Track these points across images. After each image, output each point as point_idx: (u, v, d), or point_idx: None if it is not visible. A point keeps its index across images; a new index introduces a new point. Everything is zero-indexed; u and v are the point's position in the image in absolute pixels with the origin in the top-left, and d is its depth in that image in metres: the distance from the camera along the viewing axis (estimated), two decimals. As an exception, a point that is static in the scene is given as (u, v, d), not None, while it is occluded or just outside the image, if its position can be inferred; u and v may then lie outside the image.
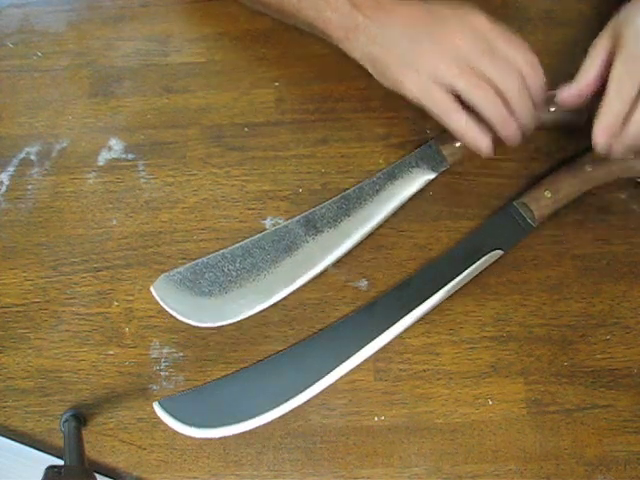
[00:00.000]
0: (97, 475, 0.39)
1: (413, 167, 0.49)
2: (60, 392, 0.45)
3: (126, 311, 0.47)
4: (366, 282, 0.47)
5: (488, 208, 0.49)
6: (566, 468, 0.42)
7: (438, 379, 0.44)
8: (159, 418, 0.42)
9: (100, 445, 0.43)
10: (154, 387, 0.44)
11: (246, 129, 0.52)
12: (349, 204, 0.48)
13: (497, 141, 0.43)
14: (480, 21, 0.41)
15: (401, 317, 0.44)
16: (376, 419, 0.43)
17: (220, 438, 0.42)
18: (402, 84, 0.43)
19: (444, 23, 0.42)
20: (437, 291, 0.45)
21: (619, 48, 0.39)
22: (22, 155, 0.52)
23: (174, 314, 0.44)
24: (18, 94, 0.55)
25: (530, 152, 0.49)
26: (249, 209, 0.49)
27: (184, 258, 0.48)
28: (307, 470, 0.43)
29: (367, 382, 0.44)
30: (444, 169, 0.49)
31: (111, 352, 0.45)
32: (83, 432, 0.42)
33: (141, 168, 0.51)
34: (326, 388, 0.43)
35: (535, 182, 0.48)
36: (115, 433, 0.44)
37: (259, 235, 0.47)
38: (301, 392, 0.43)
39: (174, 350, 0.45)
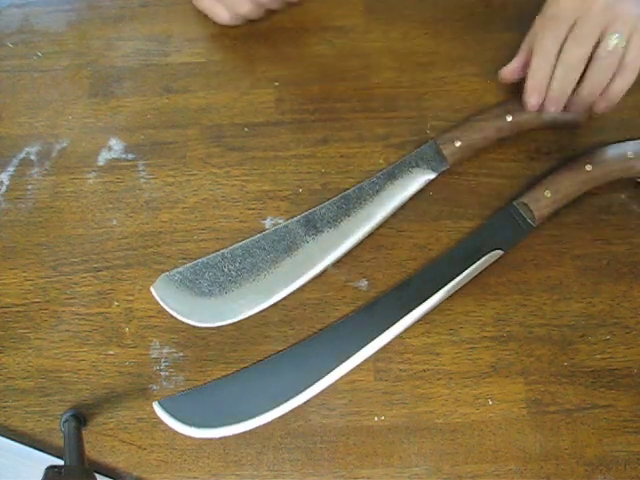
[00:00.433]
0: (97, 475, 0.39)
1: (413, 167, 0.49)
2: (60, 392, 0.45)
3: (126, 311, 0.47)
4: (366, 282, 0.47)
5: (488, 208, 0.49)
6: (566, 468, 0.42)
7: (438, 379, 0.44)
8: (159, 418, 0.42)
9: (100, 445, 0.43)
10: (154, 387, 0.44)
11: (246, 129, 0.52)
12: (349, 204, 0.48)
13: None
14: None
15: (401, 317, 0.44)
16: (376, 419, 0.43)
17: (220, 438, 0.42)
18: None
19: None
20: (437, 291, 0.45)
21: (541, 19, 0.43)
22: (22, 155, 0.52)
23: (174, 314, 0.44)
24: (18, 94, 0.55)
25: (530, 152, 0.49)
26: (249, 209, 0.49)
27: (184, 258, 0.48)
28: (307, 470, 0.43)
29: (367, 382, 0.44)
30: (444, 169, 0.49)
31: (111, 352, 0.45)
32: (83, 432, 0.42)
33: (141, 168, 0.51)
34: (326, 388, 0.43)
35: (535, 182, 0.48)
36: (115, 433, 0.44)
37: (259, 235, 0.47)
38: (301, 392, 0.43)
39: (174, 350, 0.45)
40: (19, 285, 0.48)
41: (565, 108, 0.46)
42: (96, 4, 0.58)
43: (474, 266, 0.45)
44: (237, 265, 0.46)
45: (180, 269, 0.45)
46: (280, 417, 0.42)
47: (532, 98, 0.45)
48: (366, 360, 0.44)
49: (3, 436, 0.44)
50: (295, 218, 0.47)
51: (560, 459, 0.42)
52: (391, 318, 0.44)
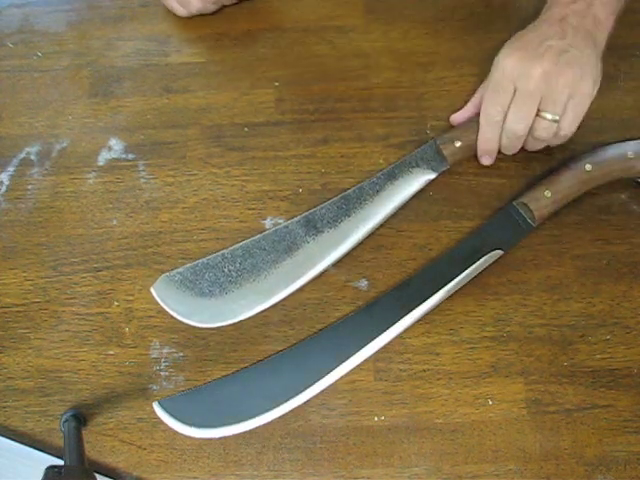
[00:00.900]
0: (97, 475, 0.39)
1: (413, 167, 0.49)
2: (60, 392, 0.45)
3: (126, 311, 0.47)
4: (366, 282, 0.47)
5: (488, 208, 0.49)
6: (566, 468, 0.42)
7: (438, 379, 0.44)
8: (159, 418, 0.42)
9: (100, 445, 0.43)
10: (154, 387, 0.44)
11: (246, 129, 0.52)
12: (349, 204, 0.48)
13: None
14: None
15: (401, 317, 0.44)
16: (376, 419, 0.43)
17: (220, 438, 0.42)
18: None
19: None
20: (437, 291, 0.45)
21: (488, 84, 0.47)
22: (22, 155, 0.52)
23: (174, 315, 0.44)
24: (18, 94, 0.55)
25: (530, 152, 0.49)
26: (249, 209, 0.49)
27: (184, 258, 0.48)
28: (307, 470, 0.43)
29: (367, 382, 0.44)
30: (444, 169, 0.49)
31: (111, 352, 0.45)
32: (83, 432, 0.42)
33: (141, 168, 0.51)
34: (326, 388, 0.43)
35: (535, 182, 0.48)
36: (115, 433, 0.44)
37: (259, 235, 0.47)
38: (301, 392, 0.43)
39: (174, 350, 0.45)
40: (19, 285, 0.48)
41: None
42: (96, 4, 0.58)
43: (474, 266, 0.45)
44: (237, 266, 0.46)
45: (180, 270, 0.45)
46: (280, 417, 0.42)
47: (485, 160, 0.50)
48: (366, 360, 0.44)
49: (3, 436, 0.44)
50: (295, 218, 0.47)
51: (560, 459, 0.42)
52: (391, 318, 0.44)
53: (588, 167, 0.47)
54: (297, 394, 0.43)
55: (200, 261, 0.46)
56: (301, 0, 0.57)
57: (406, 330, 0.45)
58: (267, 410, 0.42)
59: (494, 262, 0.46)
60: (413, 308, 0.44)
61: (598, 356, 0.45)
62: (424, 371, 0.44)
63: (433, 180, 0.49)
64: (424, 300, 0.45)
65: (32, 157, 0.52)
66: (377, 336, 0.44)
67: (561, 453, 0.42)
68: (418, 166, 0.49)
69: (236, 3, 0.57)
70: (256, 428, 0.42)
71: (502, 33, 0.50)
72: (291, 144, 0.52)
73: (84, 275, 0.48)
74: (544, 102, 0.44)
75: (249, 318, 0.45)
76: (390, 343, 0.44)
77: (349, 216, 0.47)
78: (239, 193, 0.50)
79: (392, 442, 0.43)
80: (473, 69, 0.53)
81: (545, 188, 0.47)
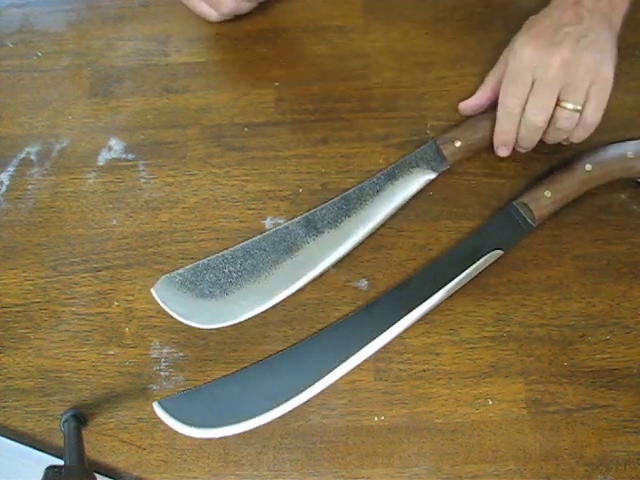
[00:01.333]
0: (97, 475, 0.39)
1: (413, 167, 0.49)
2: (60, 392, 0.45)
3: (126, 311, 0.47)
4: (366, 282, 0.47)
5: (488, 208, 0.49)
6: (566, 468, 0.42)
7: (438, 379, 0.44)
8: (159, 418, 0.42)
9: (100, 445, 0.43)
10: (154, 387, 0.44)
11: (246, 129, 0.52)
12: (349, 204, 0.48)
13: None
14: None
15: (401, 317, 0.44)
16: (376, 419, 0.43)
17: (220, 438, 0.42)
18: None
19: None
20: (437, 291, 0.45)
21: (505, 73, 0.46)
22: (22, 155, 0.52)
23: (175, 316, 0.44)
24: (18, 94, 0.55)
25: (530, 152, 0.49)
26: (249, 209, 0.49)
27: (184, 258, 0.48)
28: (307, 470, 0.43)
29: (367, 382, 0.44)
30: (444, 169, 0.49)
31: (111, 352, 0.45)
32: (83, 432, 0.42)
33: (141, 168, 0.51)
34: (326, 388, 0.43)
35: (535, 182, 0.48)
36: (115, 433, 0.44)
37: (260, 236, 0.47)
38: (301, 392, 0.43)
39: (174, 350, 0.45)
40: (19, 285, 0.48)
41: None
42: (96, 4, 0.58)
43: (474, 266, 0.45)
44: (238, 266, 0.46)
45: (180, 271, 0.45)
46: (280, 417, 0.42)
47: (501, 151, 0.49)
48: (366, 360, 0.44)
49: (3, 436, 0.44)
50: (295, 219, 0.47)
51: (560, 459, 0.42)
52: (391, 318, 0.44)
53: (588, 167, 0.47)
54: (297, 394, 0.43)
55: (200, 262, 0.46)
56: (301, 0, 0.57)
57: (406, 330, 0.45)
58: (267, 410, 0.42)
59: (494, 262, 0.46)
60: (413, 308, 0.44)
61: (598, 356, 0.45)
62: (424, 371, 0.44)
63: (433, 180, 0.49)
64: (424, 300, 0.45)
65: (32, 157, 0.52)
66: (377, 336, 0.44)
67: (561, 453, 0.42)
68: (418, 166, 0.49)
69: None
70: (256, 428, 0.42)
71: (502, 33, 0.50)
72: (291, 144, 0.52)
73: (84, 275, 0.48)
74: (565, 91, 0.43)
75: (249, 318, 0.45)
76: (390, 343, 0.44)
77: (349, 216, 0.47)
78: (239, 193, 0.50)
79: (392, 442, 0.43)
80: (473, 69, 0.53)
81: (545, 188, 0.47)
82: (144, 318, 0.46)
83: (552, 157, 0.50)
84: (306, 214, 0.48)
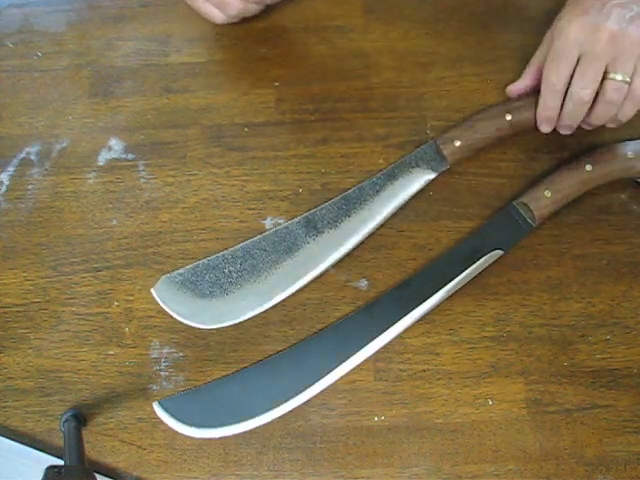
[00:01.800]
0: (97, 475, 0.39)
1: (413, 167, 0.49)
2: (60, 392, 0.45)
3: (126, 311, 0.47)
4: (366, 282, 0.47)
5: (488, 208, 0.49)
6: (566, 468, 0.42)
7: (438, 379, 0.44)
8: (159, 418, 0.42)
9: (100, 445, 0.43)
10: (154, 387, 0.44)
11: (246, 129, 0.52)
12: (349, 204, 0.48)
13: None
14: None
15: (401, 317, 0.44)
16: (376, 419, 0.43)
17: (220, 438, 0.42)
18: None
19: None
20: (437, 291, 0.45)
21: (550, 51, 0.45)
22: (22, 155, 0.52)
23: (175, 316, 0.44)
24: (18, 94, 0.55)
25: (530, 152, 0.49)
26: (249, 209, 0.49)
27: (184, 258, 0.48)
28: (307, 470, 0.43)
29: (367, 382, 0.44)
30: (444, 169, 0.49)
31: (111, 352, 0.45)
32: (83, 432, 0.42)
33: (141, 168, 0.51)
34: (326, 388, 0.43)
35: (535, 182, 0.48)
36: (115, 433, 0.44)
37: (260, 236, 0.47)
38: (301, 392, 0.43)
39: (174, 350, 0.45)
40: (19, 285, 0.48)
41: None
42: (96, 4, 0.58)
43: (474, 266, 0.45)
44: (238, 266, 0.46)
45: (181, 271, 0.45)
46: (280, 417, 0.42)
47: (544, 127, 0.48)
48: (366, 360, 0.44)
49: (3, 436, 0.44)
50: (295, 219, 0.47)
51: (560, 459, 0.42)
52: (391, 318, 0.44)
53: (588, 167, 0.47)
54: (297, 394, 0.43)
55: (200, 262, 0.46)
56: (301, 0, 0.57)
57: (406, 330, 0.45)
58: (267, 410, 0.42)
59: (494, 262, 0.46)
60: (413, 308, 0.44)
61: (598, 356, 0.45)
62: (424, 371, 0.44)
63: (433, 180, 0.49)
64: (424, 300, 0.45)
65: (32, 157, 0.52)
66: (377, 336, 0.44)
67: (561, 453, 0.42)
68: (418, 166, 0.49)
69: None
70: (256, 428, 0.42)
71: (502, 33, 0.50)
72: (291, 144, 0.52)
73: (84, 275, 0.48)
74: (612, 64, 0.43)
75: (249, 318, 0.45)
76: (390, 343, 0.44)
77: (349, 216, 0.47)
78: (239, 193, 0.50)
79: (392, 442, 0.43)
80: (473, 69, 0.53)
81: (545, 188, 0.47)
82: (144, 318, 0.46)
83: (552, 157, 0.50)
84: (306, 214, 0.48)
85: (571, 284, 0.47)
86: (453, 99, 0.52)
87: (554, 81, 0.45)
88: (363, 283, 0.47)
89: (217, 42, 0.56)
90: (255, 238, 0.47)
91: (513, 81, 0.50)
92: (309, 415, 0.44)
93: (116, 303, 0.47)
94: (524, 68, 0.50)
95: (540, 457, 0.42)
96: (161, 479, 0.43)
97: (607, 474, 0.42)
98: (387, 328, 0.44)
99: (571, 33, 0.44)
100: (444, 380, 0.44)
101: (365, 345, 0.44)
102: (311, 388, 0.43)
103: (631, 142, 0.48)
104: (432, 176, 0.49)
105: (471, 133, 0.49)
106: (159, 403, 0.42)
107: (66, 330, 0.46)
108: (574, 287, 0.46)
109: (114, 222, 0.49)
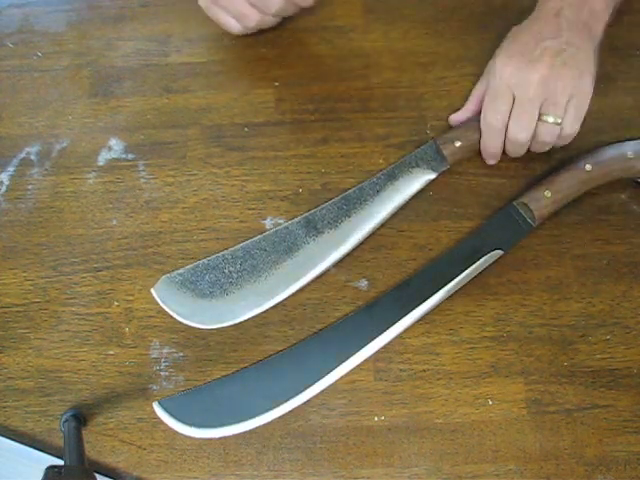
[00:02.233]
0: (97, 475, 0.39)
1: (413, 167, 0.49)
2: (60, 392, 0.45)
3: (126, 311, 0.47)
4: (366, 282, 0.47)
5: (488, 208, 0.49)
6: (566, 468, 0.42)
7: (438, 379, 0.44)
8: (159, 418, 0.42)
9: (100, 445, 0.43)
10: (154, 387, 0.44)
11: (246, 129, 0.52)
12: (349, 204, 0.48)
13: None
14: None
15: (401, 317, 0.44)
16: (376, 419, 0.43)
17: (220, 438, 0.42)
18: None
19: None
20: (437, 291, 0.45)
21: (487, 89, 0.47)
22: (22, 155, 0.52)
23: (175, 316, 0.44)
24: (18, 94, 0.55)
25: (530, 152, 0.49)
26: (249, 209, 0.49)
27: (184, 258, 0.48)
28: (307, 470, 0.43)
29: (367, 382, 0.44)
30: (444, 169, 0.49)
31: (111, 352, 0.45)
32: (83, 432, 0.42)
33: (141, 168, 0.51)
34: (326, 388, 0.43)
35: (535, 182, 0.48)
36: (115, 433, 0.44)
37: (260, 236, 0.47)
38: (301, 392, 0.43)
39: (174, 350, 0.45)
40: (19, 285, 0.48)
41: None
42: (96, 4, 0.58)
43: (474, 266, 0.45)
44: (238, 267, 0.46)
45: (181, 271, 0.45)
46: (280, 417, 0.42)
47: (490, 161, 0.50)
48: (366, 360, 0.44)
49: (3, 436, 0.44)
50: (295, 219, 0.47)
51: (560, 459, 0.42)
52: (391, 318, 0.44)
53: (588, 167, 0.47)
54: (297, 394, 0.43)
55: (200, 262, 0.46)
56: (301, 0, 0.57)
57: (406, 330, 0.45)
58: (267, 410, 0.42)
59: (494, 262, 0.46)
60: (413, 308, 0.44)
61: (598, 356, 0.45)
62: (424, 371, 0.44)
63: (433, 180, 0.49)
64: (424, 300, 0.45)
65: (32, 157, 0.52)
66: (377, 336, 0.44)
67: (561, 453, 0.42)
68: (418, 166, 0.49)
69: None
70: (256, 428, 0.42)
71: (502, 33, 0.50)
72: (291, 144, 0.52)
73: (84, 275, 0.48)
74: (545, 106, 0.44)
75: (249, 318, 0.45)
76: (390, 343, 0.44)
77: (349, 216, 0.47)
78: (239, 193, 0.50)
79: (392, 442, 0.43)
80: (473, 69, 0.53)
81: (545, 188, 0.47)
82: (144, 318, 0.46)
83: (552, 157, 0.50)
84: (306, 214, 0.48)
85: (571, 284, 0.47)
86: (453, 99, 0.52)
87: (493, 123, 0.46)
88: (363, 283, 0.47)
89: (217, 42, 0.56)
90: (255, 238, 0.47)
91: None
92: (309, 415, 0.44)
93: (116, 303, 0.47)
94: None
95: (540, 457, 0.42)
96: (161, 479, 0.43)
97: (607, 474, 0.42)
98: (387, 328, 0.44)
99: (505, 74, 0.45)
100: (444, 380, 0.44)
101: (365, 345, 0.44)
102: (311, 388, 0.43)
103: (631, 142, 0.48)
104: (432, 176, 0.49)
105: (471, 133, 0.49)
106: (159, 403, 0.42)
107: (66, 330, 0.46)
108: (574, 287, 0.46)
109: (114, 222, 0.49)
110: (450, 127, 0.51)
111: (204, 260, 0.46)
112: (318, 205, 0.48)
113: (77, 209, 0.50)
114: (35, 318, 0.47)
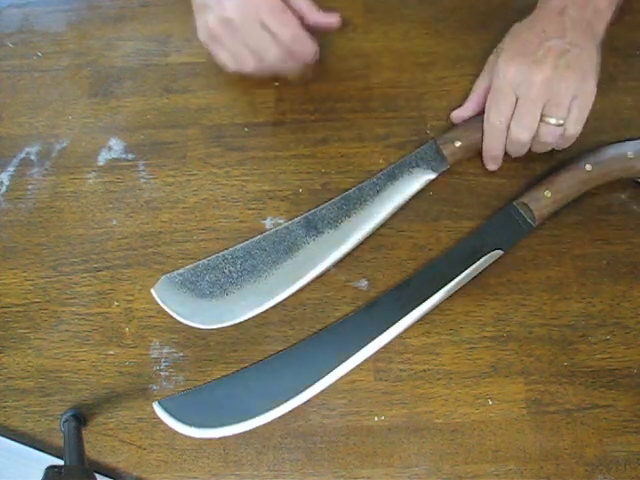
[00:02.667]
0: (97, 475, 0.39)
1: (413, 167, 0.49)
2: (60, 392, 0.45)
3: (126, 311, 0.47)
4: (366, 282, 0.47)
5: (488, 208, 0.49)
6: (566, 468, 0.42)
7: (438, 379, 0.44)
8: (159, 418, 0.42)
9: (100, 445, 0.43)
10: (154, 387, 0.44)
11: (246, 129, 0.52)
12: (349, 204, 0.48)
13: None
14: None
15: (401, 317, 0.44)
16: (376, 419, 0.43)
17: (220, 438, 0.42)
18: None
19: None
20: (437, 291, 0.45)
21: (491, 87, 0.46)
22: (22, 155, 0.52)
23: (175, 316, 0.44)
24: (18, 94, 0.55)
25: (530, 152, 0.49)
26: (249, 209, 0.49)
27: (184, 258, 0.48)
28: (307, 470, 0.43)
29: (367, 382, 0.44)
30: (444, 169, 0.49)
31: (111, 352, 0.45)
32: (83, 432, 0.42)
33: (141, 168, 0.51)
34: (326, 388, 0.43)
35: (535, 182, 0.48)
36: (115, 433, 0.44)
37: (260, 236, 0.47)
38: (301, 392, 0.43)
39: (174, 350, 0.45)
40: (19, 285, 0.48)
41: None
42: (96, 4, 0.58)
43: (474, 266, 0.45)
44: (238, 267, 0.46)
45: (181, 271, 0.45)
46: (280, 417, 0.42)
47: (491, 165, 0.50)
48: (366, 360, 0.44)
49: (3, 436, 0.44)
50: (295, 219, 0.47)
51: (560, 459, 0.42)
52: (391, 318, 0.44)
53: (588, 167, 0.47)
54: (297, 394, 0.43)
55: (200, 262, 0.46)
56: (301, 0, 0.57)
57: (406, 330, 0.45)
58: (267, 410, 0.42)
59: (494, 262, 0.46)
60: (413, 308, 0.44)
61: (598, 356, 0.45)
62: (424, 371, 0.44)
63: (433, 180, 0.49)
64: (424, 300, 0.45)
65: (32, 157, 0.52)
66: (377, 336, 0.44)
67: (561, 453, 0.42)
68: (418, 166, 0.49)
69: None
70: (256, 428, 0.42)
71: (502, 33, 0.50)
72: (291, 144, 0.52)
73: (84, 275, 0.48)
74: (547, 107, 0.44)
75: (249, 318, 0.45)
76: (390, 343, 0.44)
77: (349, 216, 0.47)
78: (239, 193, 0.50)
79: (392, 442, 0.43)
80: (473, 69, 0.53)
81: (545, 188, 0.47)
82: (144, 318, 0.46)
83: (552, 157, 0.50)
84: (306, 214, 0.48)
85: (571, 284, 0.47)
86: (453, 99, 0.52)
87: (496, 122, 0.46)
88: (363, 283, 0.47)
89: (217, 42, 0.56)
90: (255, 238, 0.47)
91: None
92: (309, 415, 0.44)
93: (116, 303, 0.47)
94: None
95: (540, 457, 0.42)
96: (161, 479, 0.43)
97: (607, 474, 0.42)
98: (387, 328, 0.44)
99: (508, 74, 0.44)
100: (444, 380, 0.44)
101: (365, 345, 0.44)
102: (311, 388, 0.43)
103: (631, 142, 0.48)
104: (432, 176, 0.49)
105: (471, 133, 0.49)
106: (159, 403, 0.42)
107: (66, 330, 0.46)
108: (574, 287, 0.46)
109: (114, 222, 0.49)
110: (450, 127, 0.51)
111: (204, 260, 0.46)
112: (318, 205, 0.48)
113: (77, 209, 0.50)
114: (35, 318, 0.47)
